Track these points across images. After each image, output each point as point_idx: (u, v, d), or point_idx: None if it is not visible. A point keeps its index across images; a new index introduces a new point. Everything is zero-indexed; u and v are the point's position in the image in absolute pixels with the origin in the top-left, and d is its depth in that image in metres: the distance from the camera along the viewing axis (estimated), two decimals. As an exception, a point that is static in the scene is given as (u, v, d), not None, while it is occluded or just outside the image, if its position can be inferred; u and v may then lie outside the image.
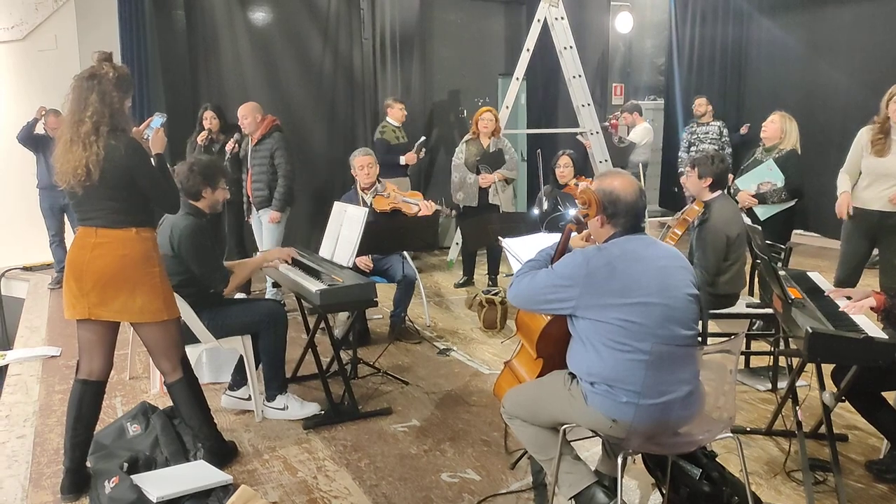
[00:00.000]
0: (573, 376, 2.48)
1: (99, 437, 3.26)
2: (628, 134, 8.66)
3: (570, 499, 2.50)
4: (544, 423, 2.57)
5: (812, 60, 8.10)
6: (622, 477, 2.34)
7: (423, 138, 7.09)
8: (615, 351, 2.32)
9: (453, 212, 5.53)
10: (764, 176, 4.82)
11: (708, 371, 2.45)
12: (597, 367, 2.36)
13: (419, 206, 5.15)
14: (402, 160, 6.74)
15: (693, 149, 7.95)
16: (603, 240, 2.49)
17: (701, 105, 8.05)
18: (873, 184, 4.15)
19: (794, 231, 5.27)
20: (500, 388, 2.95)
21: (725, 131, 7.96)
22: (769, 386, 4.07)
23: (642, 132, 8.50)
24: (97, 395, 3.05)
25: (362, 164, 5.11)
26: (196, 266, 3.49)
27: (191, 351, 3.39)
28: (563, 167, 5.85)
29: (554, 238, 2.77)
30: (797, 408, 3.02)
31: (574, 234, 2.65)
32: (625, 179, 2.48)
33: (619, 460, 2.34)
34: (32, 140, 6.30)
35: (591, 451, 3.19)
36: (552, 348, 2.66)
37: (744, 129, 8.07)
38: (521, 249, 3.14)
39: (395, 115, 7.01)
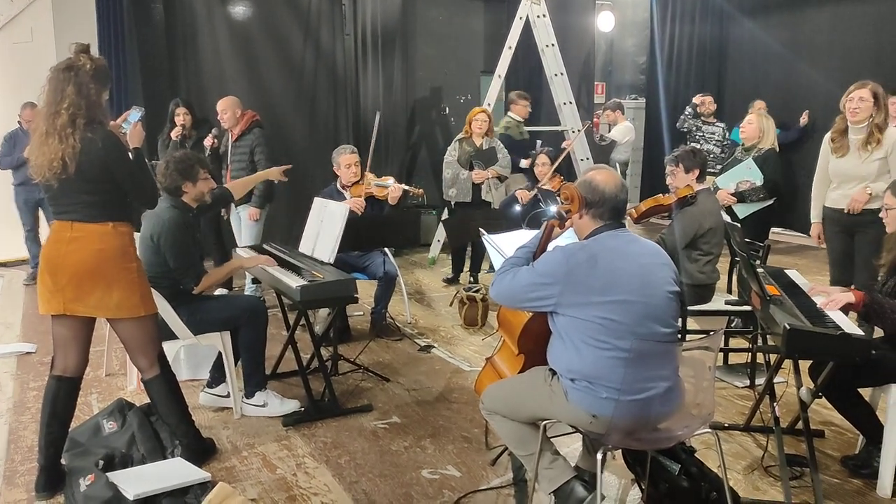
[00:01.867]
0: (554, 372, 2.48)
1: (74, 435, 3.21)
2: (609, 132, 8.70)
3: (550, 494, 2.50)
4: (524, 419, 2.57)
5: (791, 60, 8.17)
6: (602, 472, 2.35)
7: (538, 142, 6.81)
8: (595, 349, 2.33)
9: (422, 191, 5.56)
10: (743, 175, 4.86)
11: (687, 367, 2.46)
12: (577, 364, 2.36)
13: (388, 188, 5.13)
14: (523, 163, 6.40)
15: (696, 146, 7.74)
16: (585, 234, 2.50)
17: (710, 103, 7.69)
18: (840, 185, 4.21)
19: (773, 229, 5.32)
20: (481, 384, 2.95)
21: (727, 133, 7.53)
22: (747, 382, 4.12)
23: (624, 130, 8.54)
24: (72, 391, 3.00)
25: (349, 162, 5.03)
26: (172, 259, 3.48)
27: (168, 347, 3.35)
28: (541, 165, 5.92)
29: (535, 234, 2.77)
30: (775, 404, 3.05)
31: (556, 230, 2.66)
32: (606, 173, 2.51)
33: (599, 456, 2.34)
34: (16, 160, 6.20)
35: (571, 447, 3.20)
36: (533, 344, 2.66)
37: (804, 118, 7.66)
38: (503, 246, 3.14)
39: (518, 110, 6.83)
